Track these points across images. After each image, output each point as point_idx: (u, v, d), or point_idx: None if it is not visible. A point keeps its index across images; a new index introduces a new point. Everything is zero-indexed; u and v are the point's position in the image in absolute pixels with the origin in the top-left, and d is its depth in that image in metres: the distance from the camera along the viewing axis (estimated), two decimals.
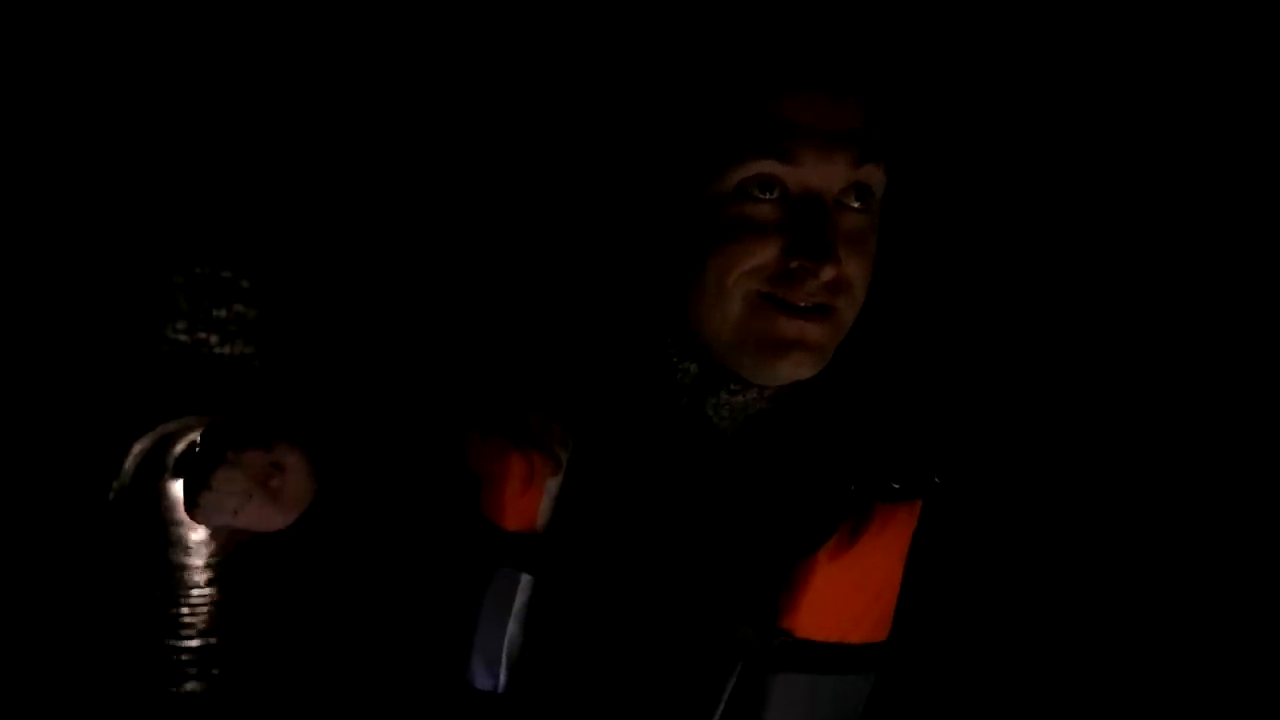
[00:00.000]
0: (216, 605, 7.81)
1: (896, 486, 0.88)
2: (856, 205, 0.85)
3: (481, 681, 0.90)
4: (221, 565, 9.75)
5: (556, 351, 0.97)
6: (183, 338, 9.84)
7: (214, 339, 9.87)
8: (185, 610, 7.53)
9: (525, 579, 0.89)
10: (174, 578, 9.13)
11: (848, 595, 0.87)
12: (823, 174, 0.83)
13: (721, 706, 0.86)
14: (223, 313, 9.54)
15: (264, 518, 0.90)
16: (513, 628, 0.89)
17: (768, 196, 0.83)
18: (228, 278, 9.14)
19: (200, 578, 9.13)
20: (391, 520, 0.98)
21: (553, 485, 0.91)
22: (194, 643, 6.49)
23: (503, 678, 0.90)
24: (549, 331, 0.98)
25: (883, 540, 0.88)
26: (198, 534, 11.58)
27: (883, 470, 0.89)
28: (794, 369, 0.85)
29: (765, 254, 0.83)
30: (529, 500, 0.90)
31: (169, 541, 11.14)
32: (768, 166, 0.82)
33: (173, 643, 6.47)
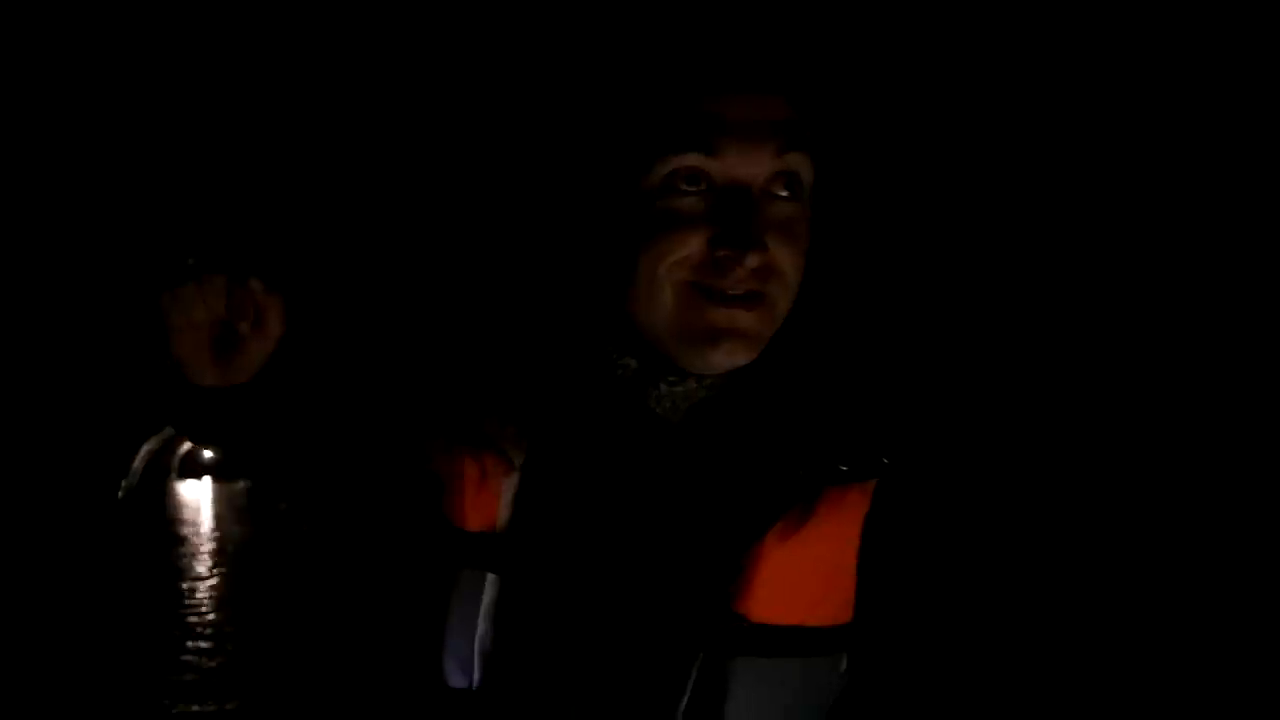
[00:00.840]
0: (221, 602, 7.82)
1: (844, 469, 0.87)
2: (784, 195, 0.85)
3: (455, 680, 0.90)
4: (227, 563, 9.84)
5: (508, 352, 0.98)
6: None
7: None
8: (190, 606, 7.54)
9: (491, 577, 0.89)
10: (180, 574, 9.22)
11: (801, 578, 0.87)
12: (747, 165, 0.83)
13: (687, 693, 0.86)
14: None
15: (204, 355, 0.91)
16: (482, 626, 0.89)
17: (694, 189, 0.83)
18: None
19: (205, 575, 9.22)
20: (363, 525, 1.01)
21: (510, 485, 0.91)
22: (199, 641, 6.46)
23: (476, 675, 0.90)
24: (500, 333, 1.00)
25: (834, 523, 0.87)
26: (204, 532, 11.75)
27: (831, 453, 0.88)
28: (727, 357, 0.85)
29: (692, 245, 0.83)
30: (487, 501, 0.91)
31: (176, 539, 11.23)
32: (692, 160, 0.82)
33: (177, 639, 6.46)
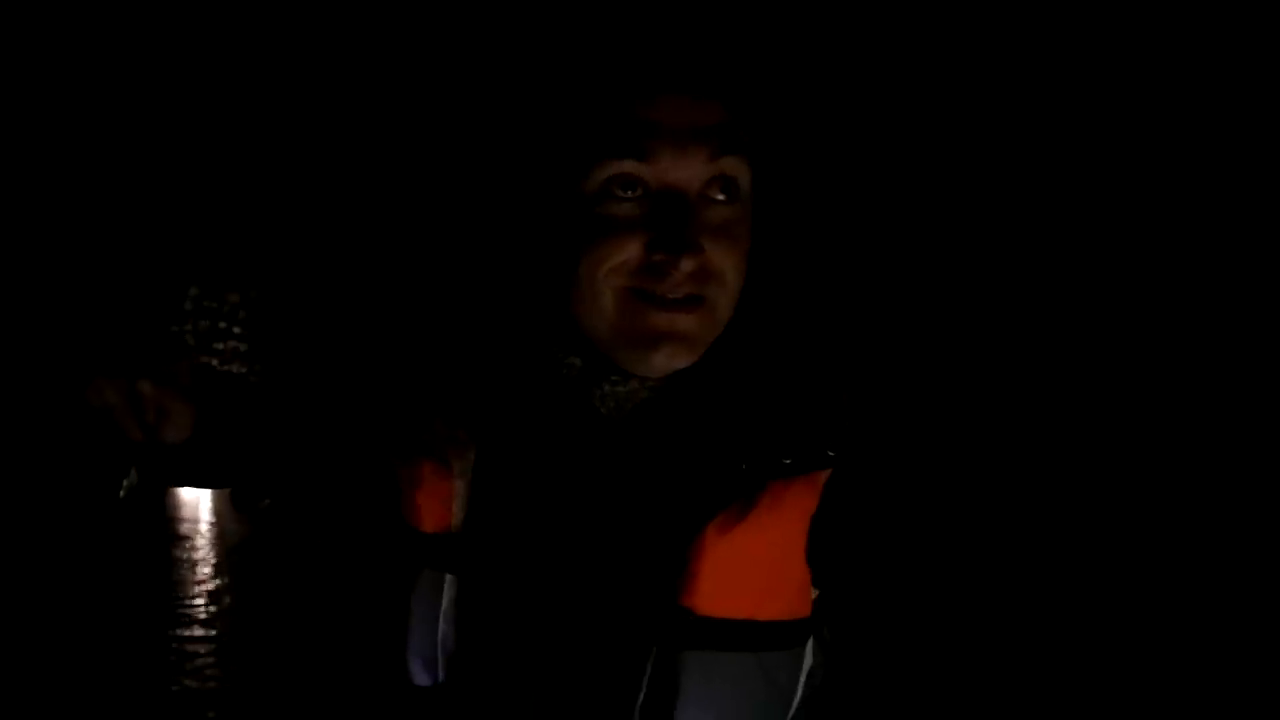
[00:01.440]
0: (219, 600, 7.87)
1: (787, 462, 0.87)
2: (721, 198, 0.85)
3: (420, 678, 0.92)
4: (228, 563, 9.88)
5: (456, 353, 0.99)
6: (189, 340, 10.10)
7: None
8: (188, 604, 7.60)
9: (450, 578, 0.91)
10: (179, 572, 9.27)
11: (746, 570, 0.86)
12: (681, 170, 0.83)
13: (643, 688, 0.86)
14: (223, 324, 9.82)
15: (130, 425, 0.98)
16: (443, 625, 0.90)
17: (629, 195, 0.84)
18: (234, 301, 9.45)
19: (204, 573, 9.27)
20: (328, 527, 1.03)
21: (461, 486, 0.92)
22: (201, 644, 6.55)
23: (440, 674, 0.91)
24: (448, 334, 1.01)
25: (777, 515, 0.87)
26: (204, 530, 11.78)
27: (774, 447, 0.88)
28: (667, 360, 0.86)
29: (629, 250, 0.84)
30: (439, 502, 0.92)
31: (176, 539, 11.27)
32: (626, 166, 0.83)
33: (178, 639, 6.56)
